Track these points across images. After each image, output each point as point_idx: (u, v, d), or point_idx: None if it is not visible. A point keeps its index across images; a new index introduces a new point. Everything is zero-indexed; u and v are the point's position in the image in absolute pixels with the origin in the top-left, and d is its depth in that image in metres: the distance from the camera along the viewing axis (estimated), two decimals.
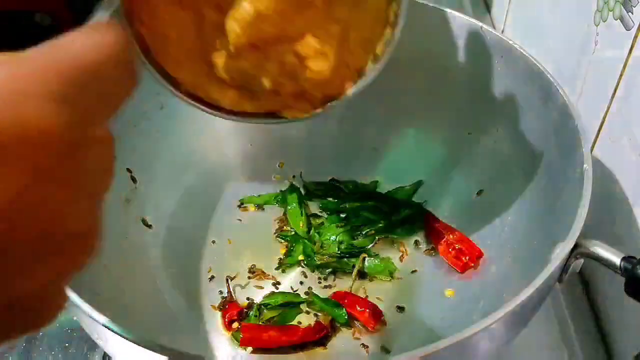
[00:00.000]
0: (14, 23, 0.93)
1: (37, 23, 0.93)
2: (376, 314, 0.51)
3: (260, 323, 0.52)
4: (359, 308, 0.52)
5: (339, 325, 0.52)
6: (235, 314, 0.52)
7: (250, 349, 0.50)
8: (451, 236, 0.57)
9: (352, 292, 0.54)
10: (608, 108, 0.52)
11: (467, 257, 0.55)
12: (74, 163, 0.20)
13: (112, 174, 0.24)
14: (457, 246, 0.56)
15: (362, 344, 0.51)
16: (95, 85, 0.22)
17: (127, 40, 0.24)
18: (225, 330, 0.52)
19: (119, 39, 0.23)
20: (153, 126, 0.58)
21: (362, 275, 0.56)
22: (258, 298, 0.55)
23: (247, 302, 0.54)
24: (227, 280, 0.56)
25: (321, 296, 0.54)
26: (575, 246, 0.40)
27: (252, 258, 0.58)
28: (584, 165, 0.43)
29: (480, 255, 0.55)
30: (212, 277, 0.56)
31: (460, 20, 0.57)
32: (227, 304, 0.54)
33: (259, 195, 0.63)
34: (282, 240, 0.59)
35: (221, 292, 0.55)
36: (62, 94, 0.20)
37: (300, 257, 0.57)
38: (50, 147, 0.19)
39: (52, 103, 0.19)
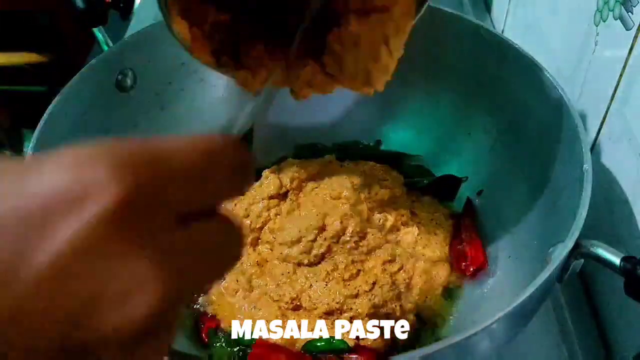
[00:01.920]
0: (14, 23, 0.93)
1: (37, 23, 0.93)
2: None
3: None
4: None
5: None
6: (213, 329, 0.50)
7: None
8: (464, 237, 0.56)
9: None
10: (608, 108, 0.52)
11: (468, 264, 0.54)
12: None
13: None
14: (463, 250, 0.55)
15: None
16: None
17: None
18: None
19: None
20: (153, 126, 0.58)
21: None
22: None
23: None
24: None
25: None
26: (575, 246, 0.40)
27: None
28: (584, 165, 0.43)
29: (483, 266, 0.54)
30: None
31: (460, 20, 0.57)
32: (202, 318, 0.52)
33: None
34: None
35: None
36: None
37: None
38: None
39: None
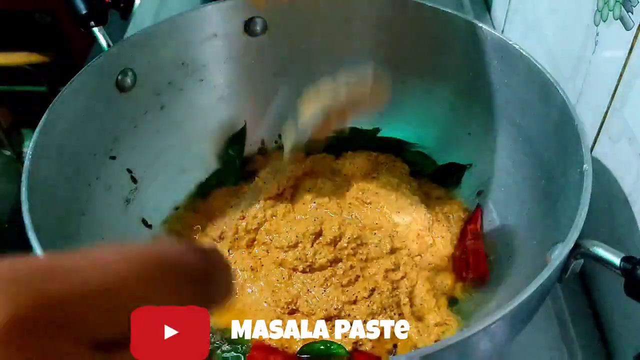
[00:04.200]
0: (15, 23, 0.93)
1: (38, 23, 0.93)
2: None
3: None
4: None
5: None
6: None
7: None
8: (468, 244, 0.55)
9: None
10: (608, 108, 0.52)
11: (469, 272, 0.54)
12: None
13: None
14: (466, 258, 0.54)
15: None
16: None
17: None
18: None
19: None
20: (153, 126, 0.58)
21: None
22: None
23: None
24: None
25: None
26: (575, 246, 0.40)
27: None
28: (584, 165, 0.43)
29: (484, 277, 0.53)
30: None
31: (460, 20, 0.57)
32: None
33: None
34: None
35: None
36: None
37: None
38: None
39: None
